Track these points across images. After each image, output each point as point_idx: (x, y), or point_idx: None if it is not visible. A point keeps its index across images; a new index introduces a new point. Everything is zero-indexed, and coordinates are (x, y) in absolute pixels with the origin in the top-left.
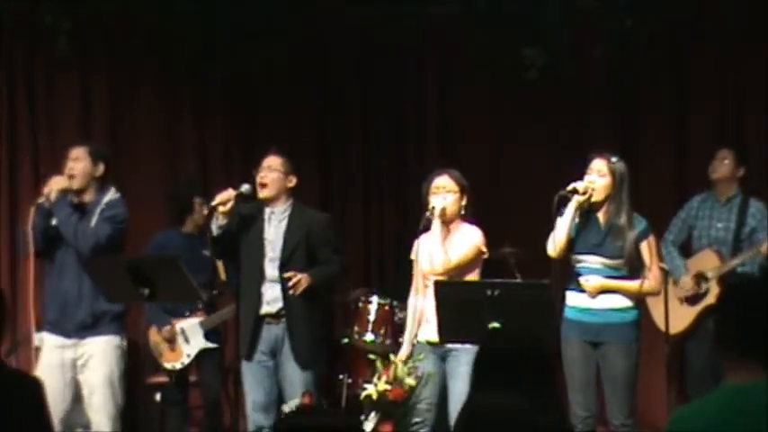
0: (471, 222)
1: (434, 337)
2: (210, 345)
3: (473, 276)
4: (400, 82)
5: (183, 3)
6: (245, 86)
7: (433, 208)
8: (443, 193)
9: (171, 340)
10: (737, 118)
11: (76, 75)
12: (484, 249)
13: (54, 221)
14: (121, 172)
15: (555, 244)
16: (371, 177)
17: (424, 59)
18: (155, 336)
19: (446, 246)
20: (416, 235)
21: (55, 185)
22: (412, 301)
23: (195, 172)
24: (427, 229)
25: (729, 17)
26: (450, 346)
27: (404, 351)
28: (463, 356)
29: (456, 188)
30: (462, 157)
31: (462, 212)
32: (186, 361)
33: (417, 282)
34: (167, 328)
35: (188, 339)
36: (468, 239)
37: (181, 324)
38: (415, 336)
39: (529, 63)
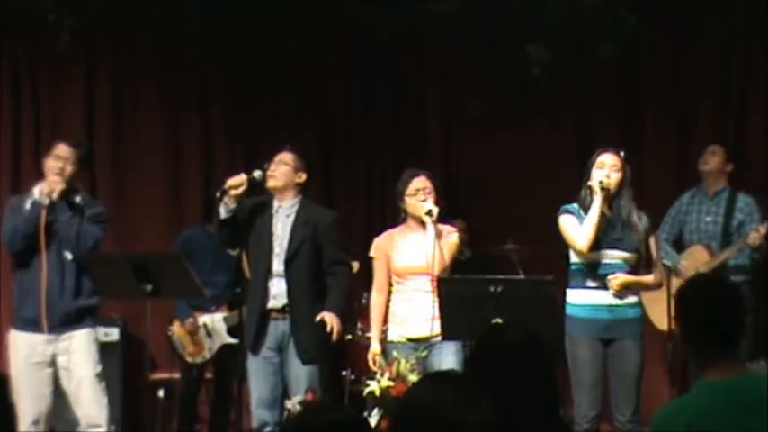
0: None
1: (415, 334)
2: (232, 340)
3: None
4: (400, 82)
5: (185, 2)
6: (245, 86)
7: (430, 211)
8: (424, 194)
9: (193, 334)
10: (737, 118)
11: (79, 72)
12: (460, 248)
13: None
14: (124, 170)
15: (587, 238)
16: (371, 177)
17: (424, 59)
18: (178, 329)
19: (440, 246)
20: (376, 233)
21: (57, 186)
22: (376, 298)
23: (196, 171)
24: (392, 226)
25: (729, 17)
26: (433, 340)
27: (376, 347)
28: (447, 348)
29: (433, 188)
30: (463, 156)
31: None
32: (208, 355)
33: (381, 280)
34: (190, 321)
35: (210, 334)
36: (451, 239)
37: (204, 319)
38: (384, 333)
39: (533, 60)
